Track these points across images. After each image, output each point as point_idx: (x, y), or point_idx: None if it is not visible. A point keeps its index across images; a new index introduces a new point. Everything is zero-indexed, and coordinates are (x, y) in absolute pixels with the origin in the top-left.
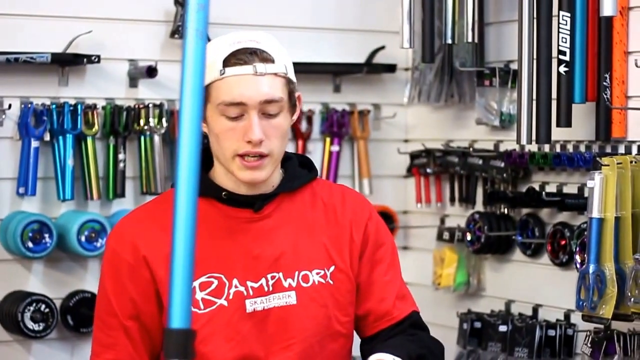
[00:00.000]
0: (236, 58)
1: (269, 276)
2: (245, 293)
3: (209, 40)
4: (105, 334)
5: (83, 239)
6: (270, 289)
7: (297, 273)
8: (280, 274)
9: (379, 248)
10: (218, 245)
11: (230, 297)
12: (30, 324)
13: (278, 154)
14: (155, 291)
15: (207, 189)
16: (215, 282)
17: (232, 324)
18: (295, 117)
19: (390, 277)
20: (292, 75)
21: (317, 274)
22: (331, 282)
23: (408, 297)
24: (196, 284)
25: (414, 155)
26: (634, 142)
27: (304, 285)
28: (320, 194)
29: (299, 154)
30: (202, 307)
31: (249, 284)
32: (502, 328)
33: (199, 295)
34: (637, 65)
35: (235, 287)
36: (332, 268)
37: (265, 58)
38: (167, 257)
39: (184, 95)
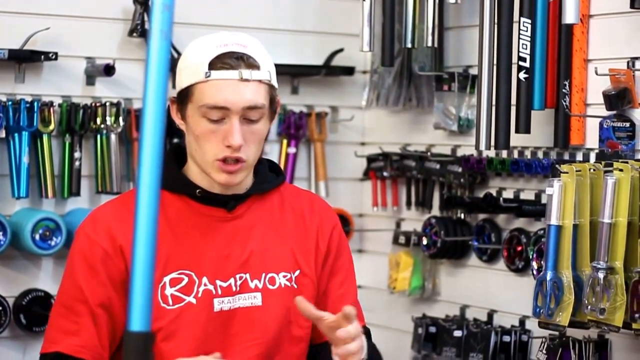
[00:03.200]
0: (222, 62)
1: (237, 276)
2: (214, 292)
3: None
4: (69, 320)
5: (37, 237)
6: (238, 289)
7: (264, 275)
8: (248, 275)
9: (338, 259)
10: (190, 243)
11: (199, 295)
12: None
13: (253, 160)
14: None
15: (182, 186)
16: (186, 279)
17: (198, 323)
18: (273, 122)
19: (345, 290)
20: (274, 82)
21: (284, 277)
22: (295, 286)
23: (359, 312)
24: (167, 279)
25: (370, 159)
26: (591, 149)
27: (270, 287)
28: (289, 199)
29: (267, 159)
30: (170, 303)
31: (218, 283)
32: (457, 333)
33: (169, 291)
34: (596, 73)
35: (205, 285)
36: (297, 272)
37: (251, 64)
38: None
39: (148, 96)
